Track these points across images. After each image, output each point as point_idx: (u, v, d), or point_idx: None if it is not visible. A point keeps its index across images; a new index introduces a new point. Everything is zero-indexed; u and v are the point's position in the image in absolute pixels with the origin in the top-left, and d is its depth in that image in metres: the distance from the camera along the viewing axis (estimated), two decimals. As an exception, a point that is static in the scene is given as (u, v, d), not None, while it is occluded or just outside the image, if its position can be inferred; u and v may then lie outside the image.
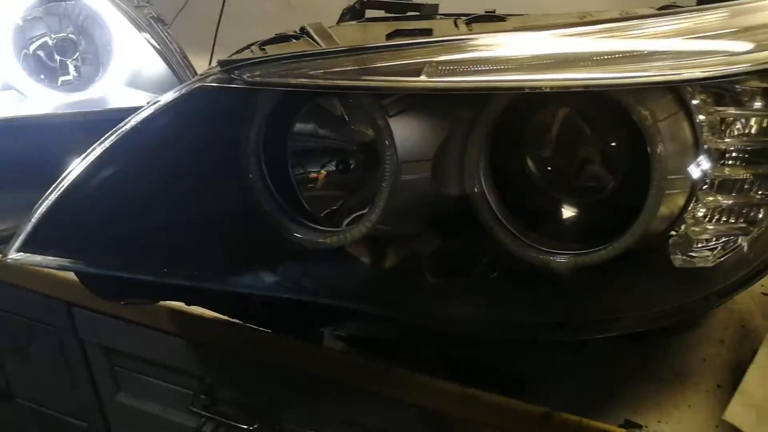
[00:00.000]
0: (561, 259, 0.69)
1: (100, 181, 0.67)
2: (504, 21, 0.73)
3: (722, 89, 0.68)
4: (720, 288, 0.66)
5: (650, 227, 0.68)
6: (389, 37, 0.71)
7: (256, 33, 0.82)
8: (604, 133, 0.75)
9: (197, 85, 0.64)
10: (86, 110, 1.14)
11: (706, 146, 0.66)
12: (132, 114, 0.67)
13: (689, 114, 0.66)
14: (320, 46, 0.69)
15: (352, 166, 0.81)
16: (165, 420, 1.02)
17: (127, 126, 0.66)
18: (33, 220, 0.67)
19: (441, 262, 0.71)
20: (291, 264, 0.74)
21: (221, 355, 0.89)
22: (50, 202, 0.67)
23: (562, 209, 0.79)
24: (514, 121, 0.76)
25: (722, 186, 0.68)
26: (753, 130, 0.72)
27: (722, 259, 0.66)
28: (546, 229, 0.76)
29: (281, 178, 0.79)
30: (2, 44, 1.18)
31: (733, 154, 0.69)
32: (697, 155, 0.67)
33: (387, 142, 0.68)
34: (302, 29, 0.73)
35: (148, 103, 0.68)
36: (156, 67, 1.12)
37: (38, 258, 0.68)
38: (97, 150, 0.67)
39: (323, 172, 0.80)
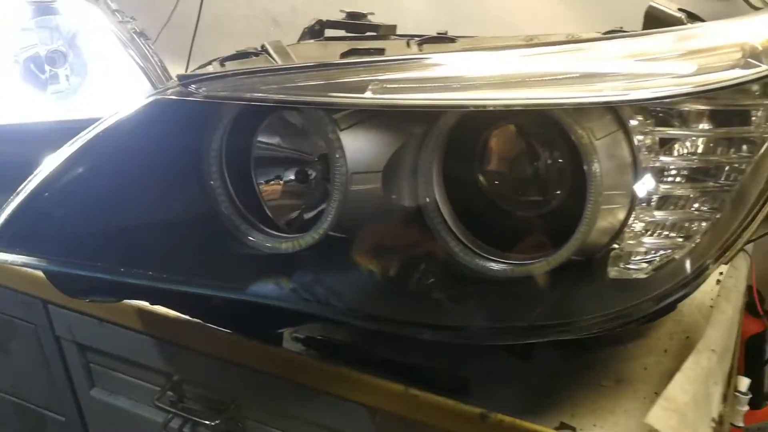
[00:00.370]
0: (499, 268, 0.72)
1: (65, 184, 0.69)
2: (454, 42, 0.75)
3: (666, 110, 0.71)
4: (656, 294, 0.68)
5: (590, 240, 0.70)
6: (344, 55, 0.73)
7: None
8: (550, 149, 0.77)
9: (155, 98, 0.67)
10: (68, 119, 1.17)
11: (643, 164, 0.69)
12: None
13: (628, 133, 0.69)
14: (276, 63, 0.71)
15: (312, 176, 0.83)
16: (135, 415, 1.03)
17: (91, 134, 0.68)
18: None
19: (390, 268, 0.73)
20: (248, 268, 0.76)
21: (187, 354, 0.90)
22: (16, 203, 0.69)
23: (511, 221, 0.81)
24: (467, 135, 0.78)
25: (664, 201, 0.70)
26: (699, 150, 0.75)
27: (656, 271, 0.68)
28: (496, 239, 0.78)
29: (245, 184, 0.81)
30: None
31: (676, 172, 0.72)
32: (634, 173, 0.69)
33: (337, 154, 0.70)
34: (262, 46, 0.75)
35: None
36: (137, 79, 1.15)
37: (4, 256, 0.70)
38: (62, 155, 0.69)
39: (283, 181, 0.82)
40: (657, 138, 0.70)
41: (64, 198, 0.69)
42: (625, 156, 0.68)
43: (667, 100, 0.68)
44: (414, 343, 0.80)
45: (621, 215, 0.69)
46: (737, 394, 0.74)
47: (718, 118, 0.72)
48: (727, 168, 0.72)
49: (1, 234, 0.69)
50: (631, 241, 0.69)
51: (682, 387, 0.62)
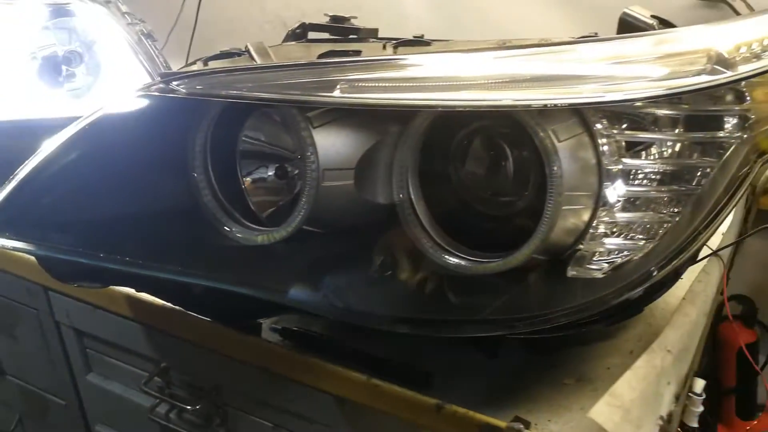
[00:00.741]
0: (456, 264, 0.73)
1: (54, 172, 0.72)
2: (429, 45, 0.77)
3: (635, 113, 0.71)
4: (608, 293, 0.68)
5: (555, 240, 0.71)
6: (322, 56, 0.75)
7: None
8: (520, 150, 0.78)
9: (138, 93, 0.70)
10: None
11: (606, 167, 0.70)
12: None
13: (593, 136, 0.70)
14: (255, 63, 0.74)
15: (294, 172, 0.85)
16: (127, 400, 1.05)
17: (79, 126, 0.71)
18: (-10, 206, 0.73)
19: (357, 259, 0.74)
20: (226, 258, 0.78)
21: (172, 341, 0.92)
22: (8, 190, 0.72)
23: (483, 220, 0.82)
24: (442, 134, 0.80)
25: (630, 203, 0.71)
26: (666, 154, 0.75)
27: (613, 271, 0.69)
28: (469, 237, 0.79)
29: (230, 177, 0.84)
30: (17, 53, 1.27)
31: (643, 175, 0.72)
32: (599, 175, 0.70)
33: (309, 151, 0.72)
34: (245, 47, 0.77)
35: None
36: (144, 80, 1.19)
37: (-5, 239, 0.73)
38: (52, 145, 0.72)
39: (265, 176, 0.84)
40: (623, 141, 0.71)
41: (52, 186, 0.72)
42: (590, 158, 0.69)
43: (627, 103, 0.69)
44: (387, 337, 0.81)
45: (586, 216, 0.70)
46: (691, 395, 0.74)
47: (686, 122, 0.73)
48: (691, 172, 0.72)
49: (-7, 220, 0.72)
50: (594, 242, 0.70)
51: (630, 384, 0.63)
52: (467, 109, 0.66)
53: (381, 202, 0.77)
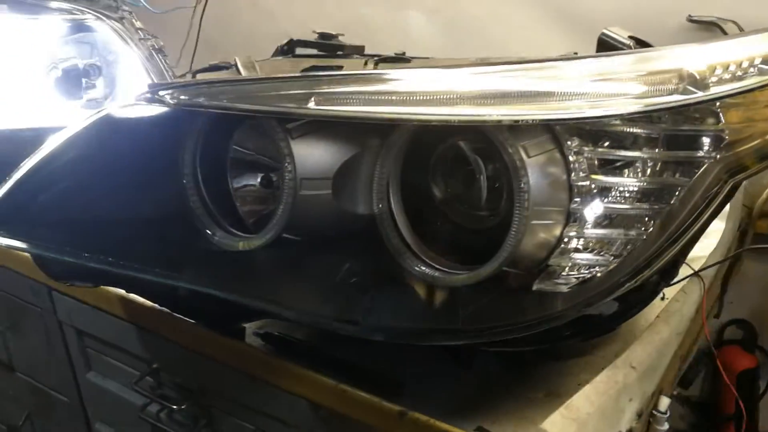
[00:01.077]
0: (435, 275, 0.73)
1: (47, 174, 0.74)
2: (409, 62, 0.78)
3: (610, 131, 0.72)
4: (573, 305, 0.68)
5: (527, 254, 0.71)
6: (305, 71, 0.77)
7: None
8: (494, 165, 0.79)
9: (126, 103, 0.72)
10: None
11: (576, 183, 0.70)
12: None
13: (563, 153, 0.70)
14: (240, 76, 0.76)
15: (279, 182, 0.87)
16: (123, 399, 1.07)
17: (72, 131, 0.74)
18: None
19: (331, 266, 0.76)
20: (210, 263, 0.80)
21: (162, 342, 0.94)
22: (3, 191, 0.75)
23: (460, 231, 0.83)
24: (422, 148, 0.81)
25: (602, 219, 0.71)
26: (641, 172, 0.75)
27: (578, 286, 0.69)
28: (446, 248, 0.80)
29: (219, 184, 0.86)
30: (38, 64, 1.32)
31: (618, 192, 0.72)
32: (569, 191, 0.70)
33: (286, 161, 0.74)
34: (234, 61, 0.80)
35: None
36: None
37: (-11, 237, 0.76)
38: (45, 149, 0.75)
39: (252, 184, 0.86)
40: (595, 158, 0.71)
41: (45, 187, 0.75)
42: (560, 174, 0.69)
43: (596, 120, 0.70)
44: (365, 345, 0.82)
45: (557, 231, 0.70)
46: (655, 412, 0.73)
47: (661, 141, 0.73)
48: (662, 190, 0.72)
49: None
50: (564, 256, 0.70)
51: (588, 398, 0.62)
52: (434, 123, 0.67)
53: (360, 212, 0.79)
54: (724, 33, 1.05)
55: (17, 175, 0.74)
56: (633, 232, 0.70)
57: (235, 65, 0.78)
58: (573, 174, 0.69)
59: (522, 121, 0.66)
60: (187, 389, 0.96)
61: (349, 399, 0.72)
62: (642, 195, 0.73)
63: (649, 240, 0.68)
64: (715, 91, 0.69)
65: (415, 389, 0.76)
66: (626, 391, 0.68)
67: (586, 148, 0.70)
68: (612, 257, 0.70)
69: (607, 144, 0.73)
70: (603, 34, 0.81)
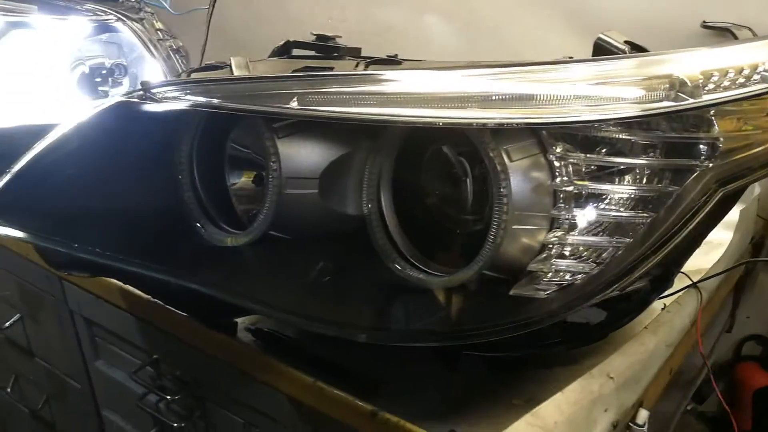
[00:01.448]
0: (420, 277, 0.73)
1: (45, 166, 0.76)
2: (400, 64, 0.78)
3: (599, 136, 0.70)
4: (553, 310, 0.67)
5: (510, 258, 0.70)
6: (296, 71, 0.78)
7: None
8: (480, 168, 0.77)
9: (119, 99, 0.74)
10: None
11: (560, 189, 0.68)
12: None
13: (548, 158, 0.68)
14: (231, 75, 0.77)
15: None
16: (127, 388, 1.10)
17: (69, 125, 0.76)
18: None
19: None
20: (200, 258, 0.81)
21: (161, 334, 0.96)
22: (4, 181, 0.78)
23: (448, 234, 0.82)
24: (415, 149, 0.80)
25: (588, 226, 0.69)
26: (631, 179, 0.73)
27: (555, 292, 0.67)
28: (435, 251, 0.79)
29: (216, 181, 0.86)
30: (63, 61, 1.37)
31: (608, 199, 0.71)
32: (553, 197, 0.69)
33: (272, 159, 0.74)
34: (229, 61, 0.81)
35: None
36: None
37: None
38: (44, 142, 0.77)
39: (245, 181, 0.87)
40: (583, 164, 0.69)
41: (43, 178, 0.77)
42: (544, 180, 0.68)
43: (582, 126, 0.68)
44: (352, 344, 0.82)
45: (540, 236, 0.69)
46: (632, 425, 0.70)
47: (653, 148, 0.71)
48: (649, 198, 0.70)
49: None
50: (545, 262, 0.68)
51: (558, 407, 0.60)
52: (415, 125, 0.66)
53: (349, 212, 0.79)
54: (735, 36, 1.01)
55: (16, 168, 0.76)
56: (617, 240, 0.68)
57: (229, 65, 0.79)
58: (557, 179, 0.67)
59: (506, 124, 0.65)
60: (184, 381, 0.98)
61: (325, 397, 0.72)
62: (631, 202, 0.71)
63: (631, 248, 0.66)
64: (708, 98, 0.67)
65: (398, 390, 0.75)
66: (601, 401, 0.66)
67: (571, 153, 0.69)
68: (595, 264, 0.68)
69: (604, 150, 0.72)
70: (599, 38, 0.79)
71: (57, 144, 0.76)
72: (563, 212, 0.68)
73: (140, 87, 0.74)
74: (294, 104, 0.66)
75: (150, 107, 0.73)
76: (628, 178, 0.74)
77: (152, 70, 1.32)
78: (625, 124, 0.71)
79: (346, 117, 0.65)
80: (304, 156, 0.75)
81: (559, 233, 0.69)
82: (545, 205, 0.68)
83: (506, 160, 0.67)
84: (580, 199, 0.69)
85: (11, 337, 1.40)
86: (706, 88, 0.69)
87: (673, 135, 0.71)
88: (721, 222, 1.12)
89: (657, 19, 1.15)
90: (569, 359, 0.81)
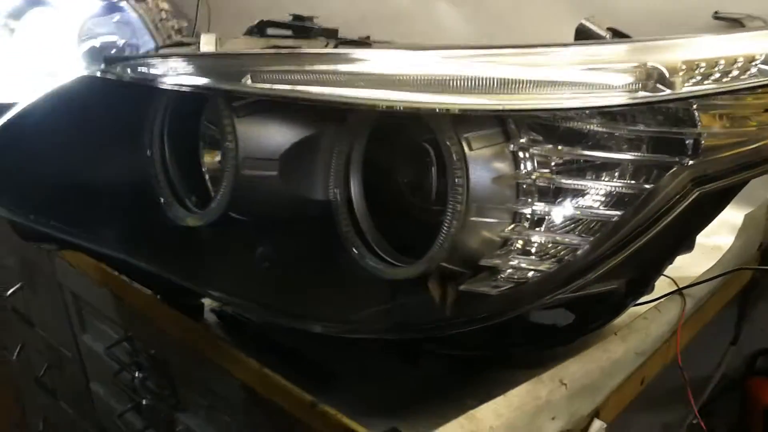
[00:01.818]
0: (378, 267, 0.69)
1: (11, 136, 0.76)
2: (370, 45, 0.74)
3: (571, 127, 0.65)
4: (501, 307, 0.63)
5: (464, 251, 0.66)
6: (263, 49, 0.75)
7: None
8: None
9: (83, 74, 0.73)
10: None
11: (522, 181, 0.64)
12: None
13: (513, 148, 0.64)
14: (192, 53, 0.74)
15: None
16: (108, 362, 1.10)
17: (31, 99, 0.76)
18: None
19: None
20: (157, 237, 0.79)
21: (134, 311, 0.96)
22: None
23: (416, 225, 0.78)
24: (388, 135, 0.76)
25: (552, 222, 0.65)
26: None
27: (507, 289, 0.63)
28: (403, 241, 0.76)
29: (184, 158, 0.84)
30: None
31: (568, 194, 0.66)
32: (516, 189, 0.64)
33: (228, 138, 0.71)
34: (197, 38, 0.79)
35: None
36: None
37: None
38: (11, 113, 0.77)
39: (209, 161, 0.85)
40: (552, 157, 0.65)
41: (9, 148, 0.77)
42: (506, 170, 0.64)
43: (551, 114, 0.64)
44: (310, 334, 0.80)
45: (500, 230, 0.65)
46: None
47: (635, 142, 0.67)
48: (620, 194, 0.65)
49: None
50: (503, 258, 0.64)
51: (496, 411, 0.56)
52: (370, 107, 0.62)
53: (315, 197, 0.76)
54: (741, 25, 0.94)
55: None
56: (583, 239, 0.63)
57: (197, 43, 0.77)
58: (520, 171, 0.63)
59: (470, 111, 0.61)
60: (157, 359, 0.97)
61: (269, 383, 0.69)
62: (612, 200, 0.67)
63: (593, 246, 0.61)
64: (688, 90, 0.62)
65: (350, 383, 0.72)
66: (549, 408, 0.61)
67: (537, 144, 0.64)
68: (555, 263, 0.64)
69: (590, 144, 0.68)
70: (581, 24, 0.74)
71: (21, 115, 0.75)
72: (525, 206, 0.64)
73: (102, 62, 0.72)
74: (247, 81, 0.64)
75: (109, 82, 0.72)
76: (615, 173, 0.69)
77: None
78: (601, 115, 0.66)
79: (301, 96, 0.62)
80: (265, 137, 0.72)
81: (519, 228, 0.64)
82: (506, 198, 0.64)
83: (466, 148, 0.63)
84: (548, 194, 0.65)
85: (15, 305, 1.43)
86: (692, 80, 0.63)
87: (651, 129, 0.66)
88: (729, 227, 1.06)
89: (668, 9, 1.08)
90: (536, 362, 0.77)
